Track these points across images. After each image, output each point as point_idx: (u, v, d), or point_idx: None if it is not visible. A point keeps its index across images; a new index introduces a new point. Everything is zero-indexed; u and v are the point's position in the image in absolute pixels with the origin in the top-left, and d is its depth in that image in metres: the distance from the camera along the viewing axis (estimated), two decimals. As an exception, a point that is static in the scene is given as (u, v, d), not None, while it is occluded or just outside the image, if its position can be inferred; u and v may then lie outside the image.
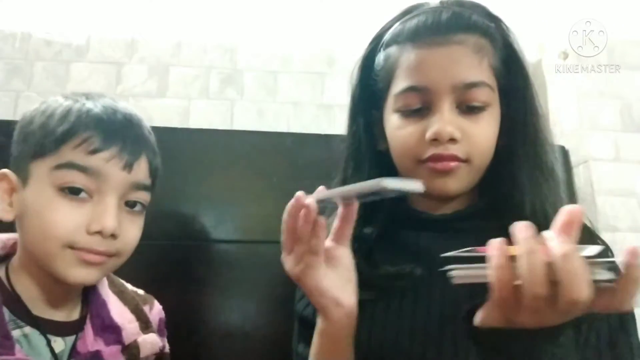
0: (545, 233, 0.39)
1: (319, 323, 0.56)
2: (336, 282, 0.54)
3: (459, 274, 0.43)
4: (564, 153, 1.32)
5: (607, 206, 1.23)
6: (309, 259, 0.52)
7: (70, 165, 0.57)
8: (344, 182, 0.72)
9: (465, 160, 0.59)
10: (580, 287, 0.36)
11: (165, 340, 0.75)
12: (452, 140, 0.58)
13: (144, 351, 0.67)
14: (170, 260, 1.06)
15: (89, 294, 0.66)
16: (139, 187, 0.62)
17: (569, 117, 1.34)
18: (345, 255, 0.55)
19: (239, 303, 1.07)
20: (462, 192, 0.62)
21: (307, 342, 0.67)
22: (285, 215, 0.51)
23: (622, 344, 0.56)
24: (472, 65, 0.59)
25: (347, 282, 0.55)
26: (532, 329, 0.41)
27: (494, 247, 0.40)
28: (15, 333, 0.57)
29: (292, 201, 0.51)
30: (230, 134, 1.25)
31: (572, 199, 1.26)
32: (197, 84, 1.37)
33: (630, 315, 0.59)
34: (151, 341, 0.68)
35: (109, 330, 0.64)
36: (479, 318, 0.44)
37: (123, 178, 0.59)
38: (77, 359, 0.61)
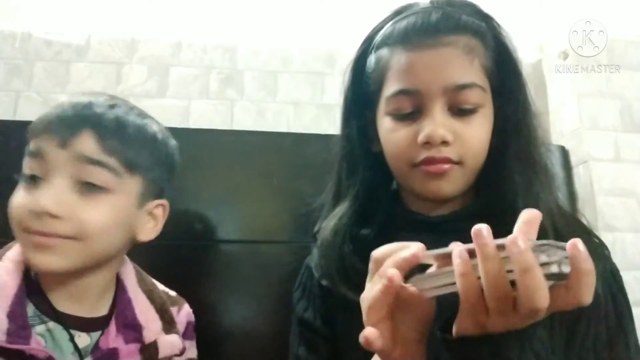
0: (507, 242, 0.37)
1: None
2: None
3: (424, 285, 0.42)
4: (564, 153, 1.31)
5: (607, 206, 1.23)
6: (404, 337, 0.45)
7: (26, 154, 0.61)
8: (339, 184, 0.71)
9: (458, 162, 0.59)
10: (540, 298, 0.36)
11: (194, 344, 0.75)
12: (444, 143, 0.58)
13: (163, 351, 0.66)
14: (169, 260, 1.06)
15: (119, 291, 0.68)
16: (87, 161, 0.59)
17: (569, 117, 1.34)
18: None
19: (239, 303, 1.07)
20: (456, 194, 0.61)
21: (309, 345, 0.67)
22: (380, 294, 0.44)
23: (620, 344, 0.56)
24: (462, 66, 0.59)
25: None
26: (501, 333, 0.40)
27: (456, 255, 0.39)
28: (40, 328, 0.59)
29: (387, 284, 0.42)
30: (230, 134, 1.24)
31: (572, 199, 1.26)
32: (197, 84, 1.37)
33: (628, 315, 0.59)
34: (171, 342, 0.68)
35: (131, 327, 0.65)
36: (454, 329, 0.43)
37: (61, 155, 0.59)
38: (97, 354, 0.61)
